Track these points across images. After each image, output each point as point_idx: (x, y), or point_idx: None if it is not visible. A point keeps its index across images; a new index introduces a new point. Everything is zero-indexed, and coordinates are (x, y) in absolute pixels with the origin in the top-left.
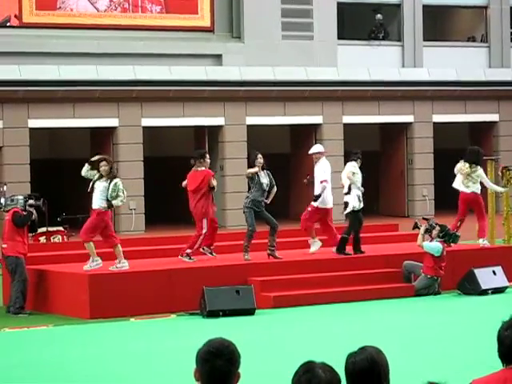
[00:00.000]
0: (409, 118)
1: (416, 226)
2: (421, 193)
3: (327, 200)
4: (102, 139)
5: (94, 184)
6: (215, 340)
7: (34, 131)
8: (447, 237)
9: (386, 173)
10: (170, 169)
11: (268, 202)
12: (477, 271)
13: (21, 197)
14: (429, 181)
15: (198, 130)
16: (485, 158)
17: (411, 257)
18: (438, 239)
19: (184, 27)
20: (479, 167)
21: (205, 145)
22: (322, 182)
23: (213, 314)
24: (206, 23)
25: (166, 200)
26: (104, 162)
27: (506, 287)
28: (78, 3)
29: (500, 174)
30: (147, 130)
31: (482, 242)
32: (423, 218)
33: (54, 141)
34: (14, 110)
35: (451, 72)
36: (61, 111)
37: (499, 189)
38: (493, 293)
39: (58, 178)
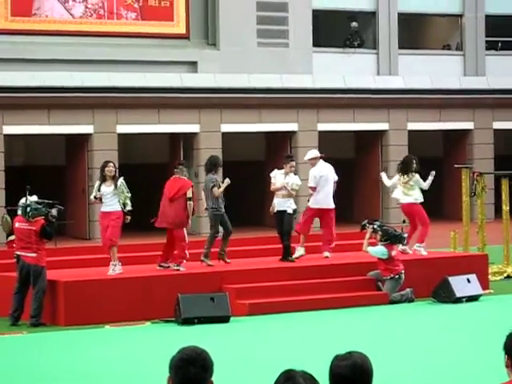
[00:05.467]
0: (384, 126)
1: (363, 227)
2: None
3: (322, 200)
4: (76, 146)
5: (98, 190)
6: (188, 348)
7: (8, 138)
8: (392, 239)
9: (361, 180)
10: (145, 176)
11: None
12: (451, 279)
13: (40, 205)
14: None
15: (173, 137)
16: (459, 166)
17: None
18: (382, 243)
19: (159, 34)
20: (415, 174)
21: (180, 152)
22: (310, 188)
23: (188, 322)
24: (182, 30)
25: (141, 207)
26: (111, 164)
27: (480, 295)
28: (53, 10)
29: (475, 181)
30: (122, 137)
31: (418, 248)
32: (368, 221)
33: (29, 147)
34: None
35: (426, 80)
36: (35, 118)
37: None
38: (467, 301)
39: (33, 185)
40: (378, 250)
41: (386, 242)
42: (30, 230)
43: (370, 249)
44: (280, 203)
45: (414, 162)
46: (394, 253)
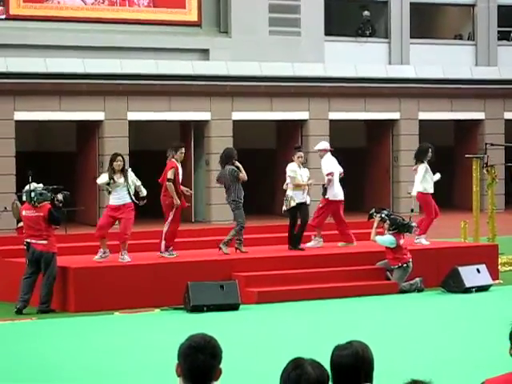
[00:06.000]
0: (395, 115)
1: (371, 216)
2: (406, 190)
3: (337, 192)
4: (87, 132)
5: (109, 184)
6: (197, 335)
7: (19, 124)
8: (400, 228)
9: (372, 169)
10: (156, 163)
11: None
12: (461, 269)
13: (45, 190)
14: (414, 178)
15: (184, 124)
16: (470, 156)
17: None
18: (390, 232)
19: (171, 21)
20: (421, 164)
21: (191, 139)
22: (327, 175)
23: (197, 309)
24: (194, 18)
25: (152, 194)
26: (120, 158)
27: (490, 285)
28: None
29: (485, 172)
30: (133, 124)
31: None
32: (376, 210)
33: (40, 134)
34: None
35: (438, 70)
36: (47, 104)
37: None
38: (477, 291)
39: (44, 171)
40: (386, 239)
41: (394, 231)
42: (38, 217)
43: (379, 238)
44: (298, 195)
45: (430, 150)
46: (401, 241)
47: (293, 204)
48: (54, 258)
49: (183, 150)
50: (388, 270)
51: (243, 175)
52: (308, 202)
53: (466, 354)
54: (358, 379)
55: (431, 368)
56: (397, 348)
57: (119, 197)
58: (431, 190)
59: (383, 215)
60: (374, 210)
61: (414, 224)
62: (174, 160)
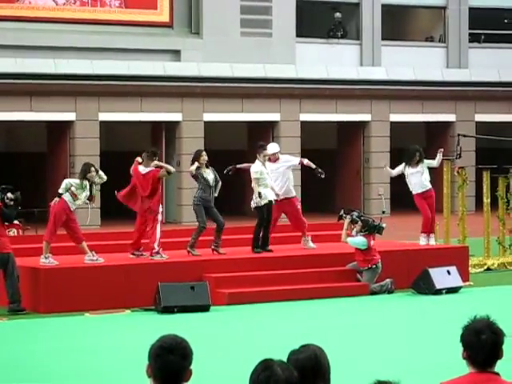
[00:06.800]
0: (366, 117)
1: (341, 217)
2: (377, 191)
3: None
4: (58, 133)
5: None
6: (168, 336)
7: None
8: (371, 230)
9: (343, 171)
10: (127, 164)
11: (216, 195)
12: (431, 271)
13: None
14: (385, 180)
15: (156, 125)
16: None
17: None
18: (361, 233)
19: (143, 22)
20: (406, 165)
21: (162, 140)
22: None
23: (167, 310)
24: (165, 18)
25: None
26: (94, 169)
27: (460, 287)
28: None
29: (456, 173)
30: (104, 125)
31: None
32: (345, 211)
33: (11, 134)
34: None
35: (409, 71)
36: (17, 104)
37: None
38: (447, 292)
39: (14, 172)
40: (358, 241)
41: (365, 233)
42: None
43: (350, 239)
44: (268, 192)
45: (417, 154)
46: (372, 243)
47: (263, 202)
48: (10, 257)
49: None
50: (358, 272)
51: (192, 167)
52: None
53: (431, 356)
54: (316, 382)
55: (397, 369)
56: (365, 349)
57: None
58: (419, 191)
59: (354, 216)
60: (343, 212)
61: (384, 225)
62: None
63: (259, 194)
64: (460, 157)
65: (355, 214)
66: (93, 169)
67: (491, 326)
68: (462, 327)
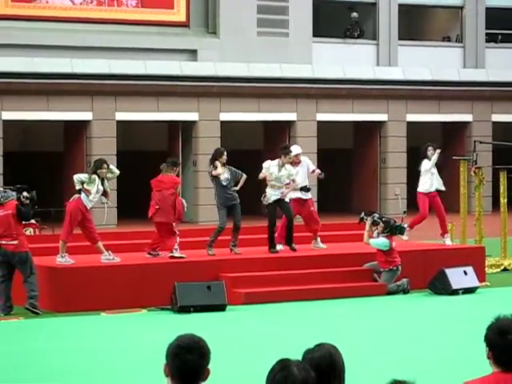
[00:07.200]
0: (382, 117)
1: (362, 220)
2: (393, 192)
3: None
4: (75, 133)
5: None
6: (185, 336)
7: (7, 124)
8: (392, 230)
9: (359, 171)
10: (143, 163)
11: (237, 188)
12: (448, 271)
13: (9, 190)
14: (401, 180)
15: (172, 125)
16: (457, 157)
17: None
18: (384, 234)
19: (159, 22)
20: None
21: (178, 140)
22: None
23: (184, 310)
24: (182, 18)
25: (139, 194)
26: (106, 166)
27: (477, 287)
28: None
29: (472, 174)
30: (121, 124)
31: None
32: (366, 213)
33: (28, 134)
34: None
35: (425, 71)
36: (34, 104)
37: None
38: (463, 293)
39: (31, 171)
40: (381, 242)
41: (387, 234)
42: (7, 215)
43: (372, 241)
44: (272, 192)
45: (429, 148)
46: (393, 244)
47: (270, 201)
48: (28, 255)
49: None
50: (376, 272)
51: (215, 171)
52: (286, 200)
53: (448, 356)
54: (331, 380)
55: (413, 369)
56: (381, 349)
57: (95, 200)
58: (431, 189)
59: (375, 218)
60: (363, 214)
61: (405, 225)
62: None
63: (264, 194)
64: (476, 163)
65: (376, 215)
66: (105, 165)
67: None
68: (486, 327)
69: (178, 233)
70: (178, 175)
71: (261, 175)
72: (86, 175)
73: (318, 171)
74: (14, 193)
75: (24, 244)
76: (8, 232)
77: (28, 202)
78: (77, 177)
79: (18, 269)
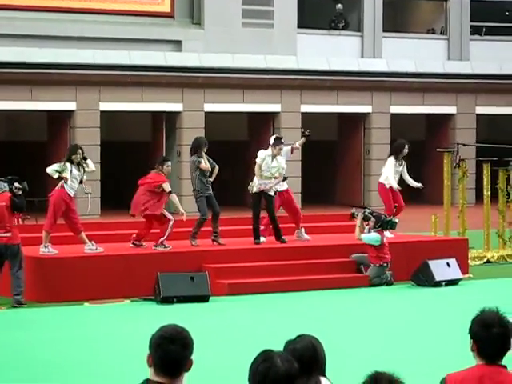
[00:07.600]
0: (367, 109)
1: (353, 216)
2: (377, 183)
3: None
4: (59, 123)
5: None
6: (169, 326)
7: None
8: (384, 225)
9: (343, 162)
10: (127, 153)
11: (212, 179)
12: (431, 263)
13: (1, 181)
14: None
15: (156, 115)
16: (441, 150)
17: (365, 247)
18: (375, 229)
19: (144, 12)
20: (391, 156)
21: (162, 130)
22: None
23: (167, 301)
24: (167, 9)
25: (122, 184)
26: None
27: (460, 279)
28: None
29: (456, 167)
30: (105, 114)
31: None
32: (357, 208)
33: (11, 123)
34: None
35: (410, 63)
36: (18, 94)
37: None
38: (446, 285)
39: (14, 161)
40: (373, 238)
41: (378, 229)
42: (1, 207)
43: (364, 236)
44: (260, 183)
45: (406, 147)
46: (384, 239)
47: (254, 190)
48: (19, 248)
49: (169, 163)
50: (362, 264)
51: (203, 165)
52: (271, 193)
53: (431, 348)
54: (313, 371)
55: (395, 361)
56: (364, 341)
57: (74, 188)
58: (394, 186)
59: (366, 213)
60: (354, 210)
61: (397, 220)
62: (161, 173)
63: (250, 183)
64: (459, 166)
65: (367, 210)
66: (79, 151)
67: (500, 319)
68: (471, 320)
69: (171, 217)
70: (168, 172)
71: (256, 165)
72: (57, 164)
73: (297, 144)
74: (6, 184)
75: (17, 236)
76: (2, 224)
77: (20, 192)
78: (49, 170)
79: (9, 261)
